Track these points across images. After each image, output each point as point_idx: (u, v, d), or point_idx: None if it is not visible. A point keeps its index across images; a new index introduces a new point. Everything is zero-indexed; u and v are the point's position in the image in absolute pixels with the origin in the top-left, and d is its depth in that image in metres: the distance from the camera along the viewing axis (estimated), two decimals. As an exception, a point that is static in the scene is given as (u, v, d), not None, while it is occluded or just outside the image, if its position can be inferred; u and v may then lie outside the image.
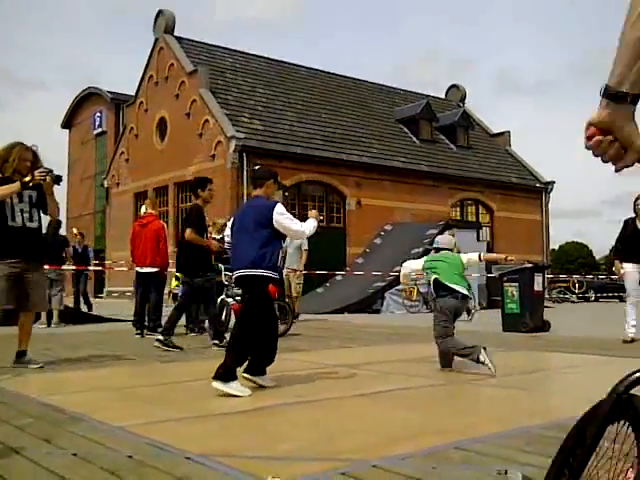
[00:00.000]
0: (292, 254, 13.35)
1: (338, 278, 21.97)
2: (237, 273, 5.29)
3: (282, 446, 3.40)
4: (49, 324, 12.37)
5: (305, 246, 13.47)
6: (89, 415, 4.12)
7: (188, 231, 8.55)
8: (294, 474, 2.84)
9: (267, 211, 5.24)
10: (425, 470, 2.91)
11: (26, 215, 6.27)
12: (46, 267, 12.39)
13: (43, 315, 12.28)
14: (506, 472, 2.84)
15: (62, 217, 43.13)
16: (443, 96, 38.29)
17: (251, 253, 5.18)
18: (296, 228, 5.37)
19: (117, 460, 3.09)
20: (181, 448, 3.28)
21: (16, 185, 6.03)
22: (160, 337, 8.36)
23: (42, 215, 6.50)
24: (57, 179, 6.26)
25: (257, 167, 5.73)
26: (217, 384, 4.89)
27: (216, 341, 8.59)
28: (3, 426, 3.85)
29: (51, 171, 6.19)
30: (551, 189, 33.72)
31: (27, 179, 6.02)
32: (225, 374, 4.91)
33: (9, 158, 6.19)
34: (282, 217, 5.25)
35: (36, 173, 6.03)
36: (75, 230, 40.15)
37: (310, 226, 5.50)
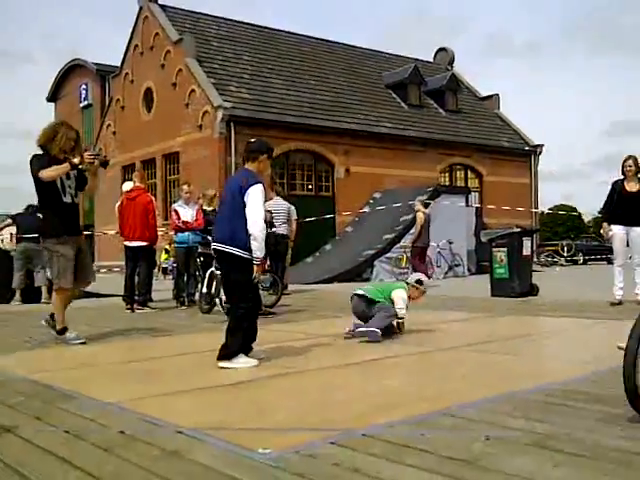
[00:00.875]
0: (281, 224, 13.30)
1: (327, 247, 21.99)
2: (213, 245, 5.24)
3: (272, 417, 3.44)
4: (39, 301, 12.36)
5: (294, 216, 13.39)
6: (80, 392, 4.15)
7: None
8: (284, 445, 2.88)
9: (246, 184, 5.10)
10: (414, 437, 2.95)
11: (72, 192, 6.54)
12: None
13: (17, 294, 12.31)
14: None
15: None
16: (431, 60, 38.04)
17: (226, 227, 5.13)
18: (254, 215, 5.03)
19: (109, 436, 3.12)
20: (172, 422, 3.31)
21: (66, 166, 6.23)
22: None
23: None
24: (105, 163, 6.67)
25: (253, 140, 5.55)
26: (223, 363, 4.95)
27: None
28: (-5, 404, 3.87)
29: (98, 155, 6.60)
30: (540, 152, 33.70)
31: (76, 161, 6.25)
32: (229, 354, 4.99)
33: (56, 137, 6.38)
34: (254, 196, 5.05)
35: (86, 156, 6.32)
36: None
37: (260, 231, 5.05)
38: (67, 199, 6.48)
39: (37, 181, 6.30)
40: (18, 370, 5.04)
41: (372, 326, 6.18)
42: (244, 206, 5.03)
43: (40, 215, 6.83)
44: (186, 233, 10.65)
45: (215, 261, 5.34)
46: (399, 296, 6.52)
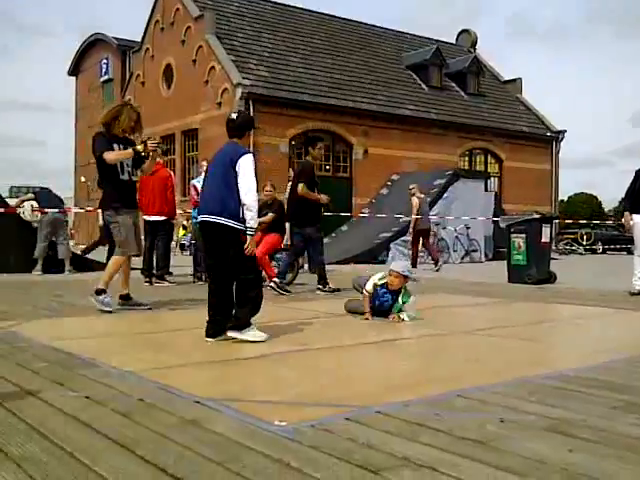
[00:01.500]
0: None
1: (344, 228, 21.99)
2: (201, 217, 5.18)
3: (288, 392, 3.49)
4: (62, 271, 12.55)
5: None
6: (100, 360, 4.22)
7: (300, 186, 9.23)
8: (300, 418, 2.92)
9: (236, 155, 5.07)
10: (428, 416, 2.98)
11: (130, 170, 6.92)
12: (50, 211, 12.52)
13: (39, 263, 12.49)
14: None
15: (70, 165, 43.07)
16: (454, 41, 37.71)
17: (216, 199, 5.09)
18: (246, 185, 5.01)
19: (128, 403, 3.17)
20: (190, 392, 3.36)
21: (130, 152, 6.70)
22: (276, 280, 9.16)
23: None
24: (165, 152, 6.94)
25: (235, 114, 5.37)
26: (232, 333, 4.99)
27: (320, 286, 9.29)
28: (18, 369, 3.95)
29: (159, 144, 7.08)
30: (562, 138, 33.41)
31: (140, 148, 6.70)
32: (239, 325, 5.01)
33: (120, 117, 6.80)
34: (246, 166, 5.03)
35: (149, 144, 6.75)
36: (83, 178, 40.24)
37: (254, 200, 5.06)
38: (124, 177, 6.86)
39: (99, 160, 6.70)
40: (39, 337, 5.11)
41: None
42: (235, 177, 5.01)
43: (100, 187, 7.20)
44: None
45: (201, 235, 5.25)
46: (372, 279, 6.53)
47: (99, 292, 6.73)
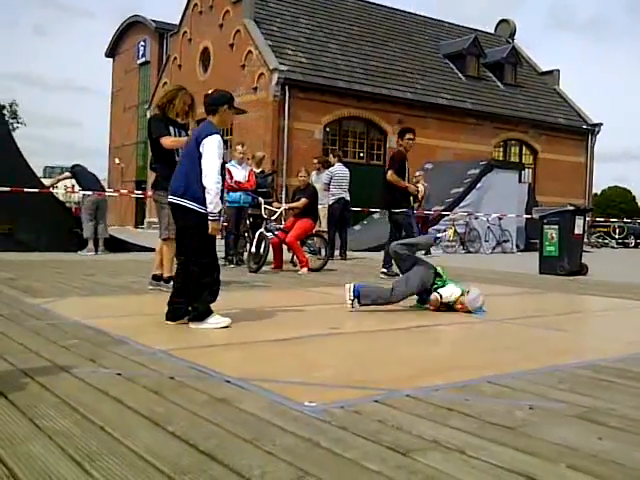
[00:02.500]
0: (346, 190, 13.56)
1: (375, 216, 21.90)
2: (169, 198, 5.02)
3: (317, 373, 3.50)
4: (96, 251, 12.69)
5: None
6: (131, 338, 4.26)
7: (389, 173, 9.71)
8: (330, 400, 2.93)
9: (202, 135, 4.85)
10: (457, 401, 2.97)
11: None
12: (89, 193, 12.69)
13: (90, 243, 12.66)
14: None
15: (105, 147, 43.44)
16: (492, 31, 37.32)
17: (181, 179, 4.93)
18: (207, 167, 4.78)
19: (159, 380, 3.21)
20: (221, 372, 3.39)
21: (186, 139, 6.53)
22: (384, 270, 9.63)
23: None
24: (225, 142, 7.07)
25: (211, 91, 5.20)
26: (194, 325, 4.82)
27: (384, 270, 9.66)
28: (50, 345, 4.01)
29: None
30: (598, 131, 32.99)
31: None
32: (199, 315, 4.84)
33: (174, 101, 6.84)
34: (209, 147, 4.79)
35: None
36: (117, 160, 40.61)
37: (214, 183, 4.77)
38: (179, 158, 6.79)
39: (155, 142, 6.79)
40: (71, 315, 5.18)
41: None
42: (200, 157, 4.81)
43: (153, 169, 7.22)
44: (238, 193, 10.70)
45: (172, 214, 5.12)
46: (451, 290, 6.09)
47: (167, 280, 6.78)
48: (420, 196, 15.74)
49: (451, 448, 2.35)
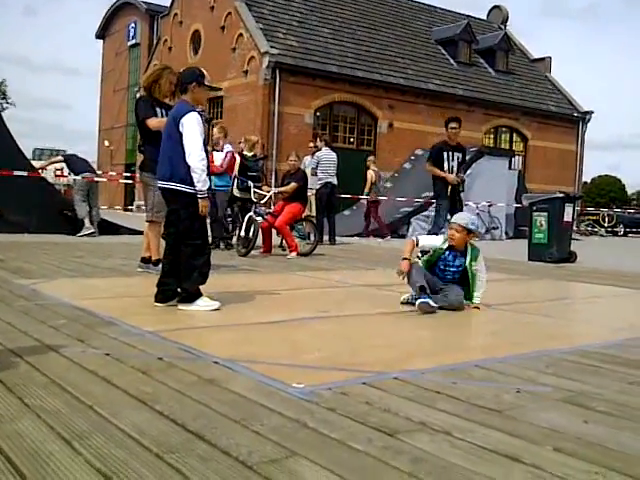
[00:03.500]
0: (334, 175, 13.54)
1: (364, 202, 21.93)
2: (157, 183, 5.01)
3: (306, 356, 3.51)
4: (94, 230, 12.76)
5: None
6: (120, 319, 4.26)
7: (426, 164, 10.25)
8: (317, 381, 2.94)
9: (179, 114, 4.79)
10: (445, 384, 2.99)
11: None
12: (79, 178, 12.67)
13: (87, 222, 12.69)
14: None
15: (94, 129, 43.14)
16: (484, 17, 37.25)
17: (166, 163, 4.87)
18: (189, 146, 4.73)
19: (148, 361, 3.21)
20: (209, 353, 3.40)
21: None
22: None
23: None
24: (209, 121, 6.90)
25: (182, 70, 5.19)
26: (182, 306, 4.81)
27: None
28: (39, 325, 4.00)
29: (202, 113, 7.01)
30: (589, 119, 33.06)
31: None
32: (188, 296, 4.83)
33: (160, 81, 6.73)
34: (188, 125, 4.74)
35: None
36: (107, 142, 40.36)
37: (199, 161, 4.73)
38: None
39: (141, 124, 6.71)
40: (60, 295, 5.17)
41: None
42: (181, 138, 4.74)
43: (141, 151, 7.12)
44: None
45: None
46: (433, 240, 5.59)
47: (156, 263, 6.78)
48: (370, 182, 16.11)
49: (438, 430, 2.36)
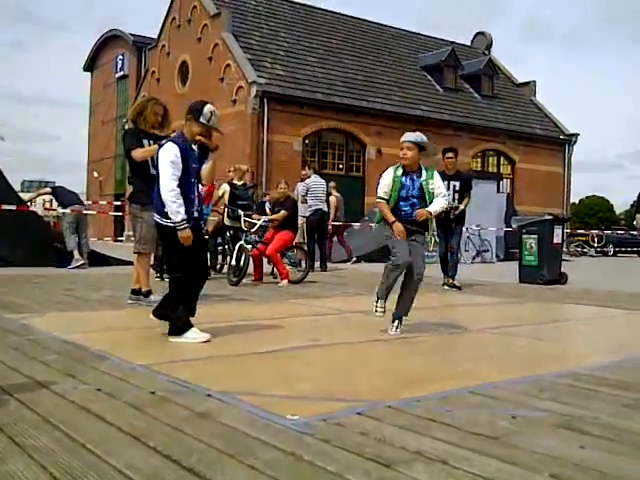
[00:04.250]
0: (323, 201, 13.59)
1: (355, 227, 21.95)
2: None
3: (300, 386, 3.48)
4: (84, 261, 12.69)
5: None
6: (111, 353, 4.22)
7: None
8: (312, 412, 2.92)
9: (160, 147, 4.83)
10: (439, 412, 2.97)
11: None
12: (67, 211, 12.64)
13: (76, 254, 12.62)
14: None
15: (83, 160, 43.20)
16: (469, 43, 37.66)
17: (154, 196, 4.87)
18: (160, 178, 4.70)
19: (140, 396, 3.18)
20: (202, 386, 3.37)
21: (155, 148, 6.35)
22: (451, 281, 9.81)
23: None
24: (214, 150, 7.04)
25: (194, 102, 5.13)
26: (172, 338, 4.76)
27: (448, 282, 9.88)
28: (30, 361, 3.96)
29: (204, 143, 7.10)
30: (575, 141, 33.34)
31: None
32: (176, 329, 4.78)
33: (143, 112, 6.80)
34: (160, 157, 4.73)
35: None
36: (96, 174, 40.33)
37: (167, 192, 4.66)
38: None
39: (128, 156, 6.76)
40: (51, 330, 5.13)
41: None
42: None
43: (131, 182, 7.22)
44: None
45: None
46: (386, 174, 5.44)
47: (147, 295, 6.80)
48: (334, 207, 16.05)
49: (434, 459, 2.35)
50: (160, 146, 4.86)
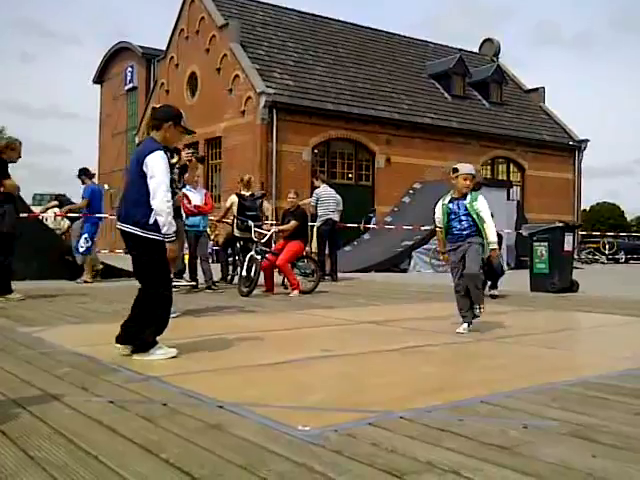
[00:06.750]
0: (334, 211, 13.61)
1: (366, 237, 21.94)
2: (118, 225, 4.58)
3: (311, 397, 3.49)
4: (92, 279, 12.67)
5: (340, 206, 13.83)
6: (123, 365, 4.25)
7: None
8: (323, 423, 2.92)
9: (143, 154, 4.45)
10: (451, 422, 2.97)
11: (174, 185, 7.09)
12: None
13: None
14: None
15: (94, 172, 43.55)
16: (477, 50, 37.67)
17: (128, 205, 4.54)
18: (153, 186, 4.39)
19: (152, 407, 3.20)
20: (213, 397, 3.38)
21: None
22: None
23: None
24: (201, 159, 7.03)
25: (159, 106, 4.94)
26: (138, 356, 4.53)
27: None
28: (42, 374, 3.98)
29: (194, 153, 7.09)
30: (585, 147, 33.23)
31: (174, 160, 6.67)
32: (144, 345, 4.57)
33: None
34: (152, 164, 4.41)
35: (183, 154, 6.81)
36: (106, 186, 40.56)
37: (162, 202, 4.38)
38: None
39: None
40: (64, 343, 5.16)
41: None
42: (144, 178, 4.41)
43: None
44: (197, 217, 10.59)
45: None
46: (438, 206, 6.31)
47: None
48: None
49: (446, 470, 2.35)
50: (149, 153, 4.47)
